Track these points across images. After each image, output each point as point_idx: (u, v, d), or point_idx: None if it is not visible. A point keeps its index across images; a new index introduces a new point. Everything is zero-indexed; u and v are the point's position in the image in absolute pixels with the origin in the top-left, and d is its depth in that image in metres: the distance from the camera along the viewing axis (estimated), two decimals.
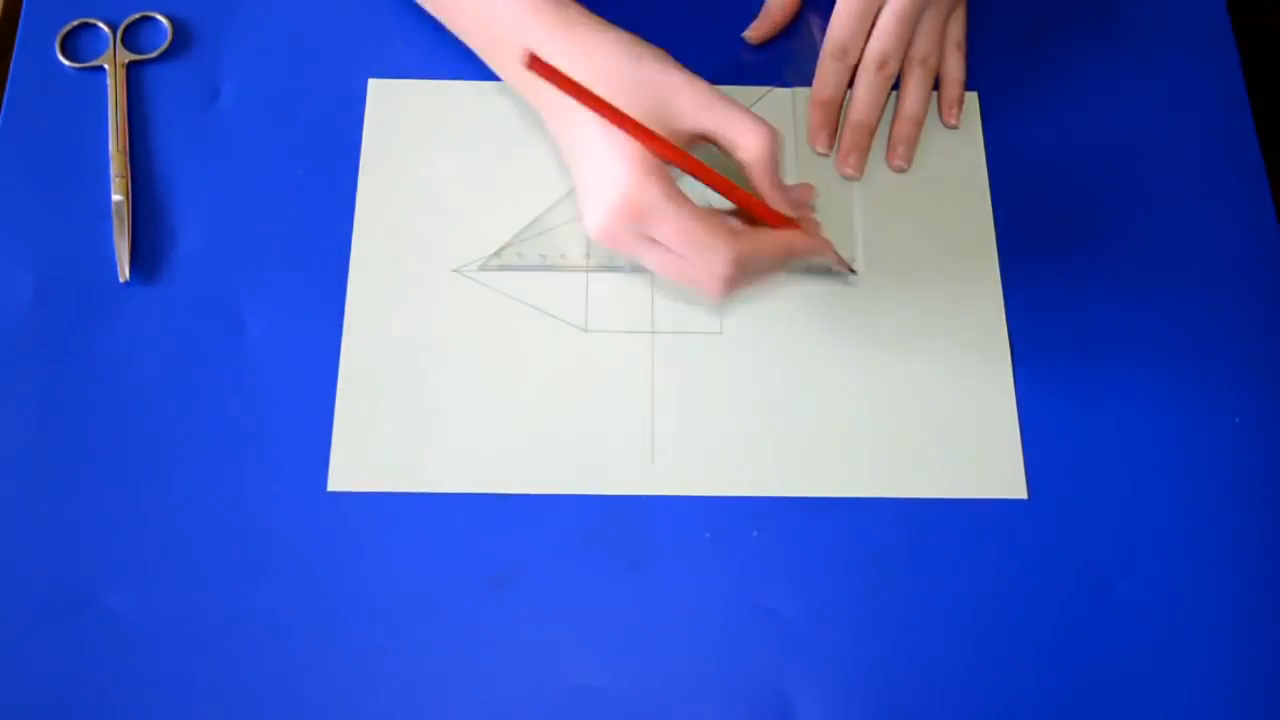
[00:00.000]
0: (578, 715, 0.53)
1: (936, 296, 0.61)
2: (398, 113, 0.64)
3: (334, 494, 0.57)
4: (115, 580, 0.55)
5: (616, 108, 0.50)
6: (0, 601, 0.54)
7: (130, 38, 0.66)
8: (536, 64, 0.47)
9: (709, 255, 0.51)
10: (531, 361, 0.60)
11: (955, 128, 0.65)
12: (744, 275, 0.53)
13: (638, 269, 0.61)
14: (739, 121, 0.53)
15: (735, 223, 0.54)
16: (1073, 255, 0.62)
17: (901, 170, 0.64)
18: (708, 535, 0.57)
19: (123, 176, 0.62)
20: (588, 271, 0.61)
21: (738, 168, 0.54)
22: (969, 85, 0.66)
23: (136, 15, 0.66)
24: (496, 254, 0.62)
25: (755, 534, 0.57)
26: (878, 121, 0.64)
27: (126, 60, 0.65)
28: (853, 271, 0.61)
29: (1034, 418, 0.59)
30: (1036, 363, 0.60)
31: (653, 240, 0.52)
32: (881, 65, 0.63)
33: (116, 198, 0.62)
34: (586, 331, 0.60)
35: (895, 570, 0.56)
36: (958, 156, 0.65)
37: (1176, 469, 0.58)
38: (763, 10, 0.67)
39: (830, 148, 0.64)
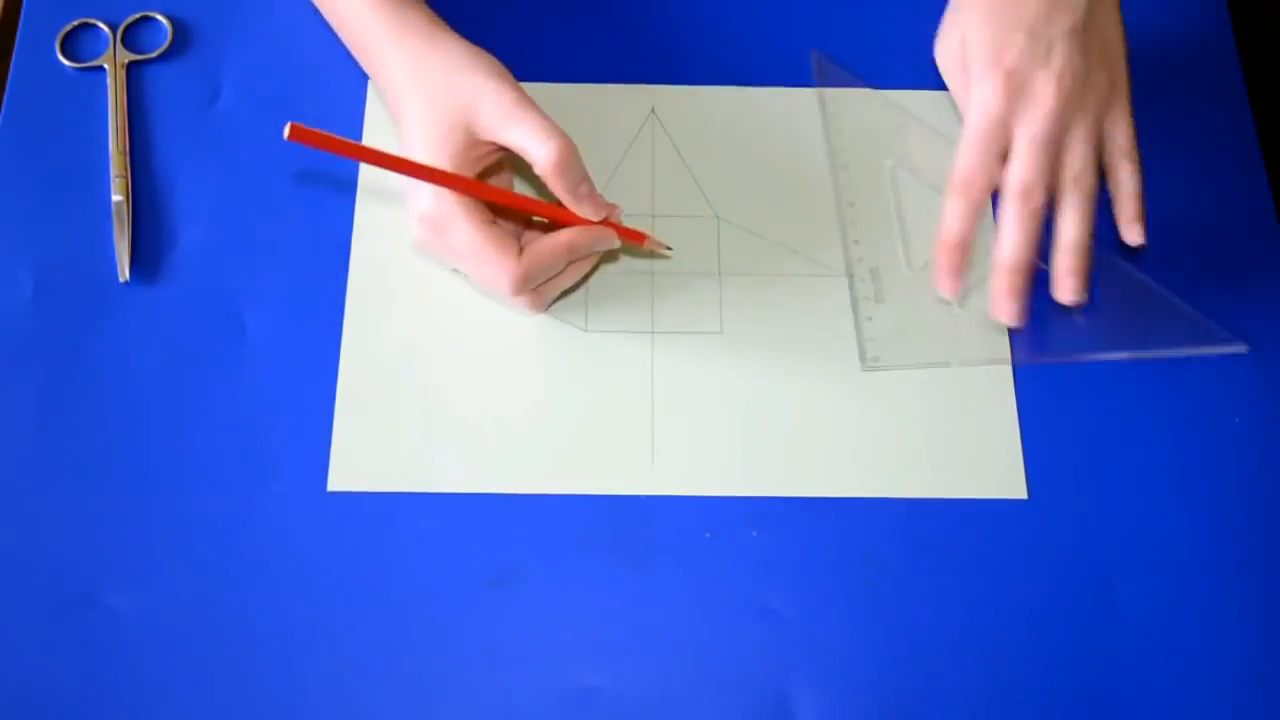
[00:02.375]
0: (577, 715, 0.53)
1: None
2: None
3: (334, 494, 0.57)
4: (115, 580, 0.55)
5: (389, 155, 0.53)
6: (1, 601, 0.55)
7: (130, 38, 0.66)
8: (297, 134, 0.49)
9: (494, 267, 0.55)
10: (532, 361, 0.60)
11: (1141, 246, 0.58)
12: (535, 277, 0.56)
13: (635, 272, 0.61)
14: (531, 135, 0.54)
15: (529, 234, 0.58)
16: None
17: (1077, 305, 0.57)
18: (707, 535, 0.57)
19: (123, 176, 0.62)
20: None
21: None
22: None
23: (136, 15, 0.66)
24: None
25: (755, 534, 0.57)
26: (1032, 260, 0.55)
27: (126, 60, 0.65)
28: (667, 249, 0.61)
29: (1034, 418, 0.59)
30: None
31: (454, 254, 0.56)
32: (1026, 196, 0.55)
33: (116, 198, 0.62)
34: (586, 331, 0.60)
35: (895, 570, 0.56)
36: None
37: (1176, 469, 0.58)
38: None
39: (957, 290, 0.57)
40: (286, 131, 0.49)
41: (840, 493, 0.57)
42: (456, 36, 0.58)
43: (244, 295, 0.61)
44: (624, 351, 0.60)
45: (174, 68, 0.66)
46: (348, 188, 0.63)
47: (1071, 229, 0.56)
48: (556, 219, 0.57)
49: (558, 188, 0.55)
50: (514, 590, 0.55)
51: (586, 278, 0.60)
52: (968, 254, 0.57)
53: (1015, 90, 0.55)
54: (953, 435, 0.58)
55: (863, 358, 0.60)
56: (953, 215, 0.56)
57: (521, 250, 0.55)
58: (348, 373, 0.59)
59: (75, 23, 0.66)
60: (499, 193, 0.56)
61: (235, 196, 0.63)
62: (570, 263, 0.57)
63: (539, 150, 0.54)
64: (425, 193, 0.55)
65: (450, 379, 0.59)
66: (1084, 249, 0.56)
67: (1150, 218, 0.57)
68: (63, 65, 0.65)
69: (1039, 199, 0.55)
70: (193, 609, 0.55)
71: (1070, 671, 0.55)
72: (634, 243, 0.59)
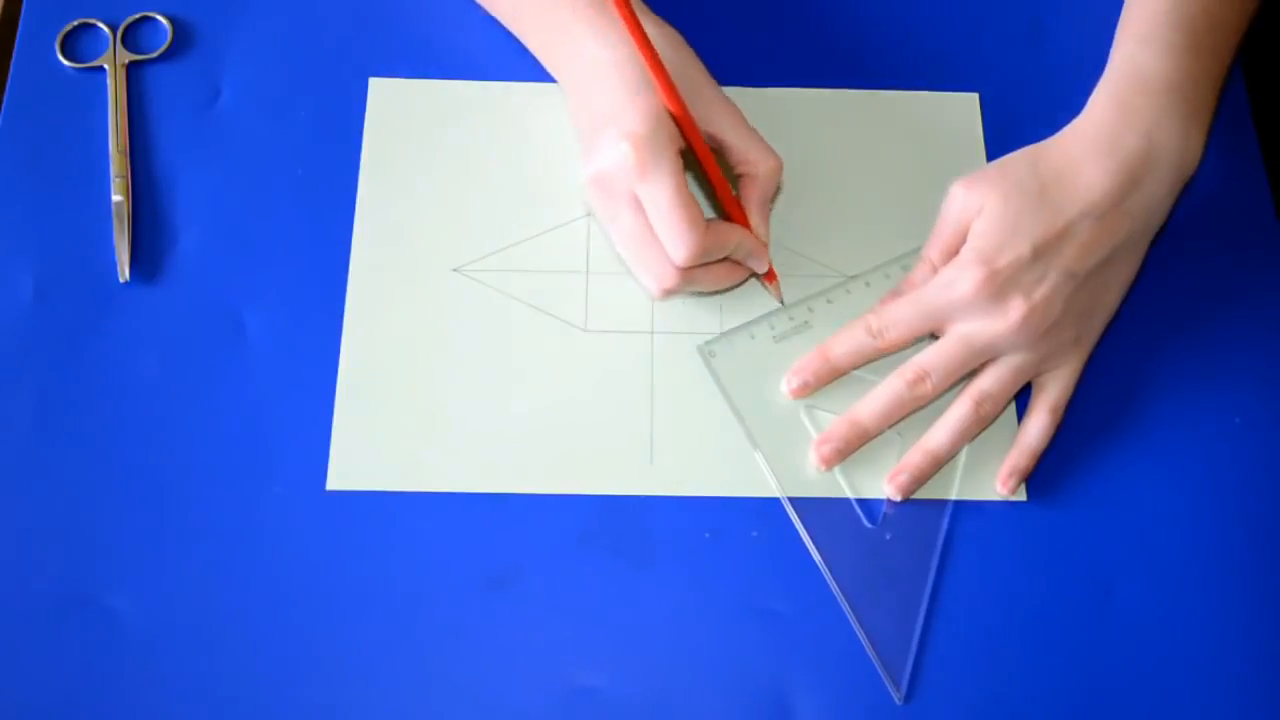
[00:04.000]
0: (577, 715, 0.53)
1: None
2: (399, 112, 0.64)
3: (333, 493, 0.57)
4: (115, 580, 0.55)
5: (663, 66, 0.54)
6: (0, 601, 0.55)
7: (130, 38, 0.66)
8: None
9: (682, 228, 0.53)
10: (531, 361, 0.60)
11: (1005, 497, 0.56)
12: (709, 253, 0.55)
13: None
14: (760, 143, 0.57)
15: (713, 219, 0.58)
16: None
17: (896, 498, 0.56)
18: (707, 535, 0.57)
19: (123, 176, 0.62)
20: (588, 272, 0.62)
21: (736, 182, 0.59)
22: (969, 87, 0.65)
23: (136, 15, 0.66)
24: (497, 253, 0.62)
25: (755, 534, 0.57)
26: (878, 432, 0.57)
27: (126, 60, 0.65)
28: (781, 303, 0.61)
29: None
30: None
31: (634, 204, 0.54)
32: (918, 380, 0.55)
33: (116, 198, 0.62)
34: (586, 331, 0.60)
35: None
36: (958, 157, 0.64)
37: (1176, 469, 0.58)
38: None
39: (801, 395, 0.58)
40: None
41: (840, 493, 0.57)
42: (669, 24, 0.59)
43: (244, 295, 0.61)
44: (624, 351, 0.60)
45: (174, 68, 0.66)
46: (348, 188, 0.63)
47: (938, 433, 0.56)
48: (734, 214, 0.59)
49: (758, 194, 0.58)
50: (514, 590, 0.55)
51: (720, 292, 0.60)
52: (834, 377, 0.58)
53: (986, 293, 0.54)
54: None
55: (708, 341, 0.60)
56: (846, 338, 0.57)
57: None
58: (347, 372, 0.59)
59: (75, 23, 0.66)
60: (715, 165, 0.57)
61: (235, 196, 0.63)
62: (726, 259, 0.57)
63: (767, 158, 0.57)
64: (648, 130, 0.53)
65: (450, 378, 0.59)
66: (937, 459, 0.56)
67: None
68: (63, 65, 0.65)
69: (927, 392, 0.56)
70: (192, 609, 0.54)
71: (1070, 671, 0.54)
72: (768, 278, 0.60)
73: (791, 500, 0.56)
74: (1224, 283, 0.62)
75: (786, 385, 0.58)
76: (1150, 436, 0.59)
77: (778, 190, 0.61)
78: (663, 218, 0.54)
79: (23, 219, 0.62)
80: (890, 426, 0.57)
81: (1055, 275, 0.54)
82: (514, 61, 0.65)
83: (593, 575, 0.56)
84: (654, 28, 0.57)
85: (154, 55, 0.66)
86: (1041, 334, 0.55)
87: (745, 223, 0.58)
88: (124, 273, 0.60)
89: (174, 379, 0.59)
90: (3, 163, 0.63)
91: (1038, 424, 0.56)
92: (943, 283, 0.55)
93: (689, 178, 0.57)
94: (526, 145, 0.64)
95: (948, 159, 0.64)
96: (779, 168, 0.57)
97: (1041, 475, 0.58)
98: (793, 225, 0.63)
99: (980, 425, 0.56)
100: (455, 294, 0.61)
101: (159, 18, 0.66)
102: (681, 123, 0.55)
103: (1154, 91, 0.56)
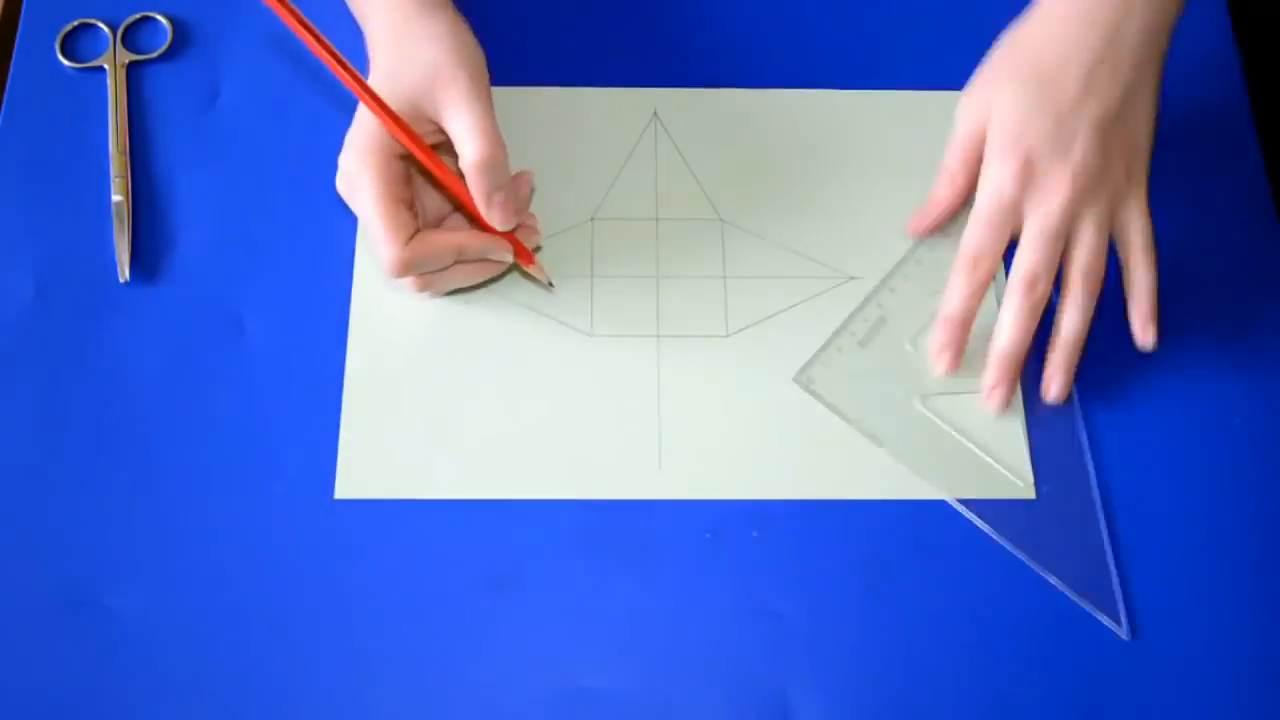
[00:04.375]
0: (579, 715, 0.53)
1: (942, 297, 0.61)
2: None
3: (341, 501, 0.56)
4: (115, 580, 0.55)
5: (347, 66, 0.53)
6: (0, 601, 0.54)
7: (130, 38, 0.66)
8: None
9: (380, 243, 0.55)
10: (537, 366, 0.59)
11: (1152, 350, 0.57)
12: (416, 265, 0.56)
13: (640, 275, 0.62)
14: (467, 128, 0.54)
15: (451, 219, 0.59)
16: None
17: (1060, 402, 0.57)
18: (708, 535, 0.57)
19: (123, 176, 0.62)
20: (592, 276, 0.61)
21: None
22: None
23: (136, 15, 0.66)
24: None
25: (755, 534, 0.57)
26: (1026, 349, 0.56)
27: (126, 60, 0.65)
28: (550, 285, 0.61)
29: (1042, 417, 0.59)
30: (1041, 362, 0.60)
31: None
32: (1031, 286, 0.55)
33: (116, 198, 0.62)
34: (592, 336, 0.60)
35: (896, 570, 0.56)
36: None
37: (1176, 470, 0.58)
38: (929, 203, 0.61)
39: (954, 369, 0.57)
40: None
41: (845, 494, 0.57)
42: (453, 13, 0.58)
43: (244, 296, 0.61)
44: (629, 356, 0.60)
45: (174, 68, 0.66)
46: None
47: (1069, 322, 0.56)
48: (470, 212, 0.57)
49: (474, 188, 0.55)
50: (518, 594, 0.55)
51: (493, 280, 0.60)
52: (968, 331, 0.57)
53: (1030, 176, 0.55)
54: (959, 434, 0.58)
55: (801, 370, 0.59)
56: (956, 291, 0.57)
57: (414, 236, 0.55)
58: (353, 378, 0.59)
59: (75, 23, 0.66)
60: (429, 153, 0.55)
61: (235, 196, 0.63)
62: (460, 262, 0.57)
63: (467, 145, 0.54)
64: (353, 145, 0.55)
65: (456, 385, 0.59)
66: (1080, 345, 0.56)
67: (1151, 218, 0.57)
68: (63, 65, 0.65)
69: (1043, 290, 0.55)
70: (194, 611, 0.54)
71: (1071, 672, 0.54)
72: (523, 263, 0.59)
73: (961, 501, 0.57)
74: (1224, 283, 0.62)
75: (939, 369, 0.57)
76: (1150, 436, 0.59)
77: (531, 190, 0.60)
78: (366, 233, 0.57)
79: (23, 219, 0.62)
80: (1030, 343, 0.56)
81: (1084, 129, 0.55)
82: (514, 65, 0.65)
83: (594, 577, 0.56)
84: (400, 19, 0.57)
85: (154, 55, 0.66)
86: (1094, 187, 0.55)
87: (482, 222, 0.57)
88: (124, 273, 0.60)
89: (174, 379, 0.59)
90: (3, 163, 0.63)
91: (1141, 269, 0.57)
92: (989, 190, 0.56)
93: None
94: (528, 150, 0.64)
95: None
96: (489, 149, 0.54)
97: (1041, 475, 0.58)
98: (798, 225, 0.63)
99: (1094, 296, 0.56)
100: (460, 300, 0.61)
101: (159, 18, 0.66)
102: (393, 132, 0.54)
103: None
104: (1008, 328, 0.56)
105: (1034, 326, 0.56)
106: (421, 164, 0.56)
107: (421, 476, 0.57)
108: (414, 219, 0.56)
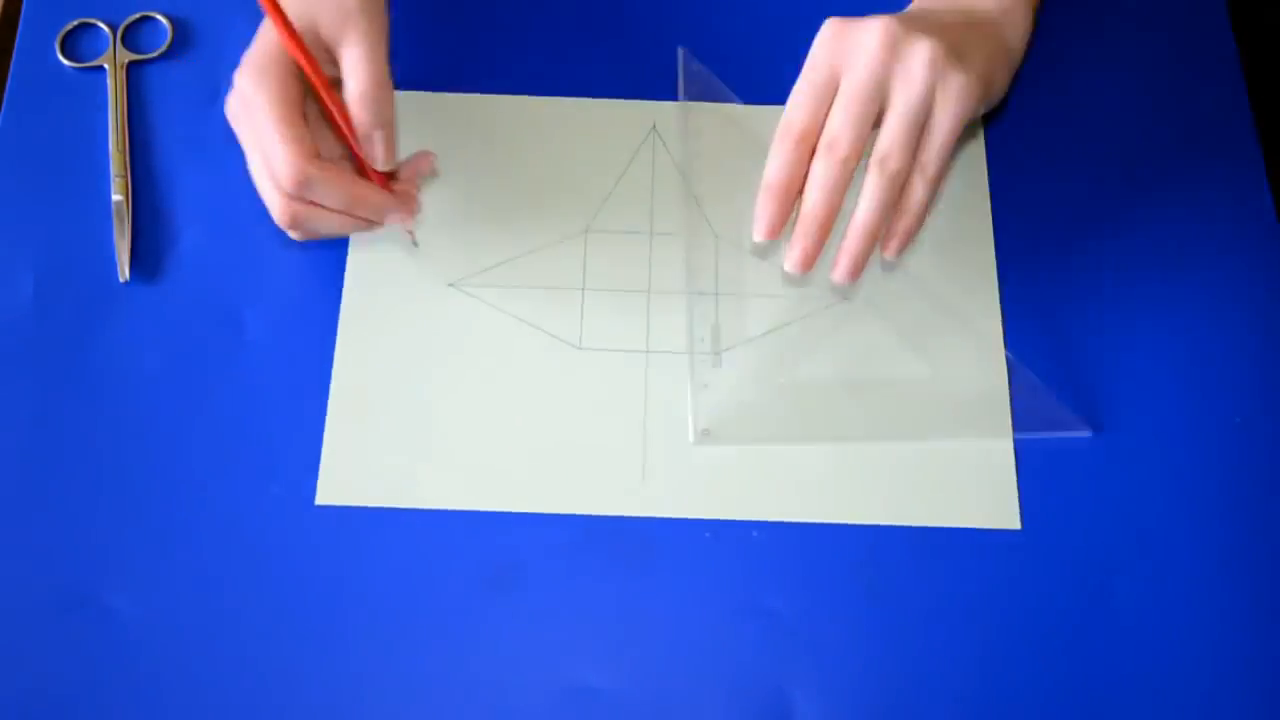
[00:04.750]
0: (578, 715, 0.53)
1: (935, 311, 0.61)
2: (396, 123, 0.64)
3: (321, 507, 0.56)
4: (114, 580, 0.55)
5: None
6: (0, 601, 0.54)
7: (130, 38, 0.66)
8: None
9: (278, 159, 0.54)
10: (525, 377, 0.59)
11: (890, 263, 0.56)
12: (313, 186, 0.54)
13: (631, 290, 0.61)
14: (357, 61, 0.55)
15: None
16: (1072, 256, 0.62)
17: (843, 285, 0.55)
18: (707, 535, 0.57)
19: (123, 176, 0.62)
20: (583, 289, 0.61)
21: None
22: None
23: (136, 15, 0.66)
24: (493, 269, 0.61)
25: (755, 534, 0.57)
26: (832, 217, 0.53)
27: (126, 60, 0.65)
28: (414, 244, 0.61)
29: (1030, 447, 0.59)
30: (1037, 359, 0.60)
31: (253, 136, 0.55)
32: (831, 148, 0.52)
33: (116, 198, 0.62)
34: (581, 349, 0.60)
35: (895, 570, 0.56)
36: (961, 155, 0.64)
37: (1176, 470, 0.58)
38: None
39: (771, 236, 0.53)
40: None
41: (834, 519, 0.57)
42: None
43: (244, 295, 0.61)
44: (618, 369, 0.60)
45: (174, 68, 0.66)
46: None
47: (859, 208, 0.52)
48: (355, 152, 0.57)
49: (356, 120, 0.55)
50: (517, 594, 0.55)
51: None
52: (788, 202, 0.53)
53: (893, 38, 0.52)
54: (947, 463, 0.58)
55: (693, 429, 0.58)
56: (775, 159, 0.53)
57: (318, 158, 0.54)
58: (339, 384, 0.59)
59: (75, 23, 0.66)
60: (322, 78, 0.54)
61: (235, 196, 0.62)
62: (343, 212, 0.57)
63: (352, 78, 0.55)
64: (248, 64, 0.55)
65: (443, 394, 0.59)
66: (869, 232, 0.52)
67: (1150, 219, 0.57)
68: (63, 65, 0.65)
69: (845, 153, 0.52)
70: (190, 610, 0.54)
71: (1069, 672, 0.54)
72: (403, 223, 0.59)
73: None
74: (1224, 283, 0.62)
75: (755, 237, 0.53)
76: (1150, 436, 0.59)
77: (431, 168, 0.60)
78: (264, 139, 0.54)
79: (23, 219, 0.62)
80: (837, 208, 0.53)
81: (951, 19, 0.54)
82: (511, 75, 0.65)
83: (593, 576, 0.56)
84: None
85: (154, 55, 0.66)
86: (954, 64, 0.52)
87: (361, 163, 0.57)
88: (124, 272, 0.60)
89: (174, 379, 0.59)
90: (3, 163, 0.63)
91: (917, 183, 0.53)
92: (809, 58, 0.53)
93: None
94: (523, 160, 0.64)
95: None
96: (373, 82, 0.55)
97: (1042, 474, 0.58)
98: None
99: (895, 184, 0.52)
100: (450, 308, 0.61)
101: (159, 18, 0.66)
102: (295, 57, 0.54)
103: None
104: (808, 189, 0.52)
105: (838, 191, 0.52)
106: (313, 86, 0.55)
107: (405, 485, 0.57)
108: (312, 140, 0.55)
